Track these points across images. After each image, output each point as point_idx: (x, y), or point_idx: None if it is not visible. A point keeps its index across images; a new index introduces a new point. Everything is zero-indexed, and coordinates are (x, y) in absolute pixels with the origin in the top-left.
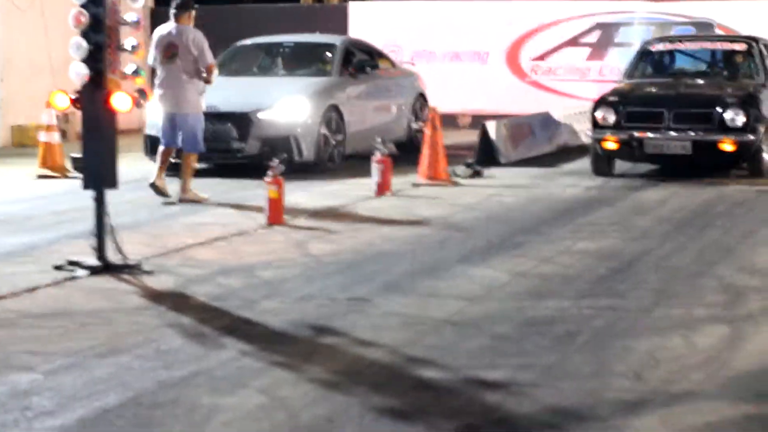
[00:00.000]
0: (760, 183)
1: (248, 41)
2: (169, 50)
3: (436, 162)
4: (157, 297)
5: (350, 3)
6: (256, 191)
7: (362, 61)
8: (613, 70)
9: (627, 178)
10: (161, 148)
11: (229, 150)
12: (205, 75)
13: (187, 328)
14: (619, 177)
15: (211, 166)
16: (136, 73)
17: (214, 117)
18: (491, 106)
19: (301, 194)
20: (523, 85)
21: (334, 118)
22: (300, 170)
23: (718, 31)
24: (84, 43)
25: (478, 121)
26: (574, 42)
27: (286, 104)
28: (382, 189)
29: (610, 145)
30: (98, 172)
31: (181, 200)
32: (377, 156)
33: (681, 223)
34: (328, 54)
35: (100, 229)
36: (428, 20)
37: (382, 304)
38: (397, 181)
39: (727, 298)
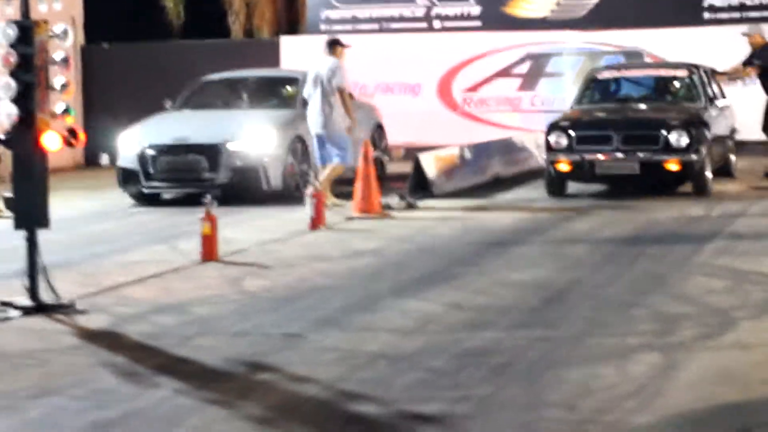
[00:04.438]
0: (694, 209)
1: (214, 76)
2: (317, 80)
3: (369, 195)
4: (90, 336)
5: (282, 38)
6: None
7: None
8: (544, 100)
9: (559, 207)
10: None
11: (201, 180)
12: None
13: (122, 368)
14: (553, 206)
15: (182, 195)
16: (65, 112)
17: (184, 148)
18: (424, 138)
19: (235, 230)
20: (456, 116)
21: (299, 148)
22: (266, 198)
23: (648, 60)
24: (13, 83)
25: (412, 153)
26: (505, 73)
27: (254, 135)
28: (316, 223)
29: (563, 167)
30: (29, 212)
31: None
32: (311, 190)
33: (613, 253)
34: (291, 87)
35: (33, 269)
36: (359, 53)
37: (316, 340)
38: (331, 215)
39: (659, 326)
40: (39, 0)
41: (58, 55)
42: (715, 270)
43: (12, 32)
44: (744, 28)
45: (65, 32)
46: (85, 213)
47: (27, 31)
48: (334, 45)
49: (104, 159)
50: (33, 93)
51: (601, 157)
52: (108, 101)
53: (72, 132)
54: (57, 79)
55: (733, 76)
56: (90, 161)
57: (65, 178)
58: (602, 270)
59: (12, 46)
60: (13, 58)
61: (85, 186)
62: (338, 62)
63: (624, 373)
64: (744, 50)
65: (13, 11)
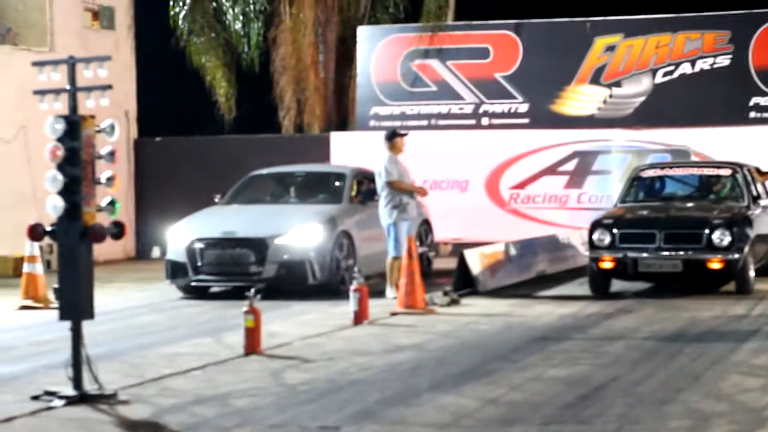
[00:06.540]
0: (736, 308)
1: (263, 171)
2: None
3: (413, 290)
4: (131, 426)
5: (332, 133)
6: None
7: (370, 189)
8: (591, 197)
9: (601, 305)
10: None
11: (247, 273)
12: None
13: None
14: (595, 303)
15: (229, 288)
16: (111, 205)
17: (232, 242)
18: (471, 234)
19: (280, 323)
20: (503, 213)
21: (345, 243)
22: (313, 293)
23: (694, 158)
24: (60, 176)
25: (459, 248)
26: (552, 170)
27: (301, 230)
28: (360, 318)
29: (606, 264)
30: (74, 304)
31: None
32: (355, 285)
33: (651, 350)
34: (338, 183)
35: (77, 359)
36: (407, 149)
37: None
38: (375, 310)
39: (691, 423)
40: (87, 95)
41: (104, 150)
42: (751, 369)
43: (60, 127)
44: None
45: (112, 127)
46: (134, 305)
47: (74, 126)
48: (389, 138)
49: (155, 251)
50: (79, 186)
51: (644, 255)
52: (159, 194)
53: (117, 225)
54: (103, 173)
55: None
56: (141, 253)
57: (116, 270)
58: (639, 367)
59: (59, 140)
60: (60, 152)
61: (135, 278)
62: (389, 157)
63: None
64: None
65: (62, 106)
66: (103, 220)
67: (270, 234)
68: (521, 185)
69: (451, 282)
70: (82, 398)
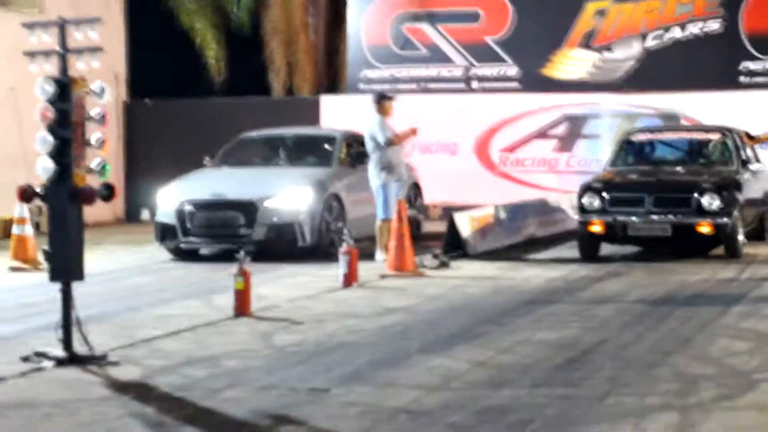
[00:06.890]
0: (724, 271)
1: (252, 133)
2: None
3: (402, 253)
4: (121, 387)
5: (322, 96)
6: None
7: (360, 152)
8: (580, 161)
9: (590, 268)
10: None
11: (237, 236)
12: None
13: (150, 418)
14: (584, 267)
15: (218, 251)
16: (101, 167)
17: (222, 205)
18: (461, 197)
19: (269, 286)
20: (493, 176)
21: (334, 206)
22: (301, 255)
23: (684, 123)
24: (50, 138)
25: (448, 212)
26: (542, 134)
27: (291, 193)
28: (349, 280)
29: (596, 228)
30: (64, 265)
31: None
32: (344, 247)
33: (640, 314)
34: (328, 146)
35: (67, 320)
36: (397, 112)
37: (341, 394)
38: (365, 273)
39: (679, 386)
40: (77, 57)
41: (95, 112)
42: (739, 332)
43: (50, 88)
44: None
45: (102, 89)
46: (123, 267)
47: (65, 88)
48: (379, 101)
49: (144, 214)
50: (69, 148)
51: (633, 218)
52: (149, 156)
53: (107, 187)
54: (94, 135)
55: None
56: (131, 216)
57: (106, 232)
58: (628, 330)
59: (50, 102)
60: (51, 114)
61: (125, 240)
62: (379, 120)
63: (641, 430)
64: None
65: (51, 68)
66: (93, 182)
67: (259, 196)
68: (511, 149)
69: (441, 245)
70: (72, 359)
